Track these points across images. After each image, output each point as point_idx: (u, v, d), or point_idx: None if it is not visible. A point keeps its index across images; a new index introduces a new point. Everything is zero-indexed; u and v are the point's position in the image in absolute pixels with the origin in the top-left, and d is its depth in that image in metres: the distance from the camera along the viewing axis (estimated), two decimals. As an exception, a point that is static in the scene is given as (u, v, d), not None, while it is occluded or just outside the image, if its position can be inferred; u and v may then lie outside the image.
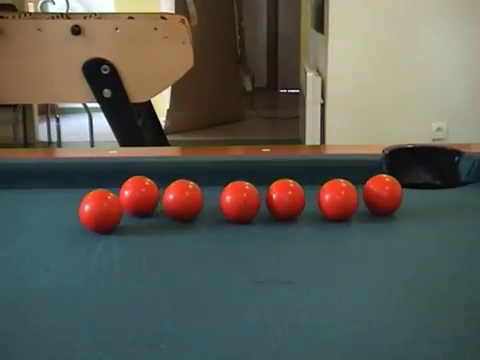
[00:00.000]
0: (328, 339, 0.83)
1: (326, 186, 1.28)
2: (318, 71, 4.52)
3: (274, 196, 1.27)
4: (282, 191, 1.27)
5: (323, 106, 4.22)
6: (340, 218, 1.27)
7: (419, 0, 4.04)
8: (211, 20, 6.03)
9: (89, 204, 1.20)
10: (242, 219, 1.26)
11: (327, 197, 1.26)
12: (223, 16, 6.36)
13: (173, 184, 1.29)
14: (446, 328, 0.85)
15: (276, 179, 1.32)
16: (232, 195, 1.25)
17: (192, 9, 5.69)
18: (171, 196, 1.27)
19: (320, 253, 1.16)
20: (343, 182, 1.29)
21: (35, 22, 3.41)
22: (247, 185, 1.27)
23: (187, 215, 1.27)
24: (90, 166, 1.53)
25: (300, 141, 5.08)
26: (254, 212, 1.26)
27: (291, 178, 1.44)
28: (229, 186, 1.27)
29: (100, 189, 1.24)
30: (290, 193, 1.27)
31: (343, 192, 1.26)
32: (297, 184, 1.29)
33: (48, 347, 0.83)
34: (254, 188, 1.27)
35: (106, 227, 1.21)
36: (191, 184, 1.29)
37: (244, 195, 1.25)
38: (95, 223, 1.20)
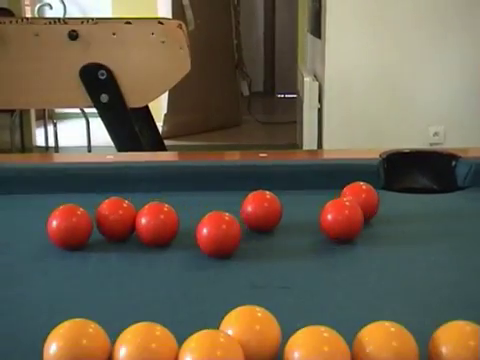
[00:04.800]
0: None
1: (329, 206, 1.20)
2: (315, 76, 4.53)
3: (249, 209, 1.23)
4: (258, 204, 1.23)
5: (320, 111, 4.23)
6: (344, 239, 1.20)
7: (416, 5, 4.05)
8: (208, 25, 6.04)
9: (57, 220, 1.16)
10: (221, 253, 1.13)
11: (330, 217, 1.19)
12: (220, 21, 6.36)
13: (146, 206, 1.20)
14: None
15: (273, 184, 1.32)
16: (210, 230, 1.11)
17: (189, 14, 5.70)
18: (144, 220, 1.18)
19: (318, 259, 1.17)
20: (347, 201, 1.22)
21: (32, 27, 3.40)
22: (227, 216, 1.14)
23: (163, 240, 1.19)
24: (87, 171, 1.53)
25: (297, 146, 5.09)
26: (234, 247, 1.14)
27: (288, 183, 1.45)
28: (207, 218, 1.14)
29: (69, 204, 1.19)
30: (266, 205, 1.23)
31: (347, 211, 1.19)
32: (273, 195, 1.25)
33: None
34: (234, 220, 1.14)
35: (75, 243, 1.17)
36: (166, 206, 1.20)
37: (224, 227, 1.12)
38: (63, 239, 1.16)
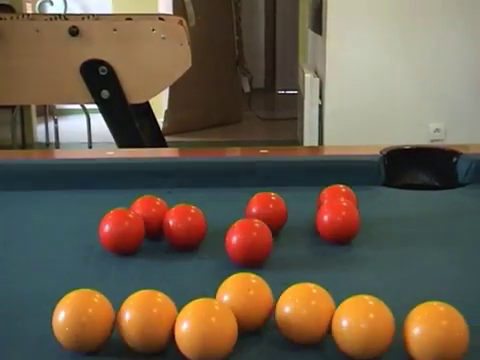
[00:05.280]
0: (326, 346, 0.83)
1: (326, 207, 1.19)
2: (316, 72, 4.52)
3: (254, 210, 1.20)
4: (262, 205, 1.20)
5: (321, 107, 4.22)
6: (339, 241, 1.18)
7: (417, 2, 4.04)
8: (209, 21, 6.03)
9: (109, 224, 1.12)
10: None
11: (326, 218, 1.17)
12: (221, 17, 6.36)
13: (173, 209, 1.17)
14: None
15: (273, 180, 1.31)
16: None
17: (190, 10, 5.69)
18: (171, 222, 1.14)
19: (318, 256, 1.16)
20: (344, 201, 1.20)
21: (33, 23, 3.40)
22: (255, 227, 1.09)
23: (191, 242, 1.16)
24: (88, 167, 1.53)
25: (298, 142, 5.08)
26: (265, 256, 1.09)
27: (289, 179, 1.44)
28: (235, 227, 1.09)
29: (121, 208, 1.16)
30: (271, 206, 1.20)
31: (344, 212, 1.17)
32: (278, 197, 1.22)
33: (46, 348, 0.83)
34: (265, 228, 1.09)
35: (127, 248, 1.13)
36: (193, 208, 1.17)
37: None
38: (115, 244, 1.12)
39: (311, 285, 0.85)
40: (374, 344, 0.78)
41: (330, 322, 0.81)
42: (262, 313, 0.85)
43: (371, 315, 0.79)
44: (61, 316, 0.80)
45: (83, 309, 0.81)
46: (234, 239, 1.06)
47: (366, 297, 0.82)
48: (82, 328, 0.80)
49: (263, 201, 1.22)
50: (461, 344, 0.77)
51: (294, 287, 0.85)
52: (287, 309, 0.82)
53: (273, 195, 1.23)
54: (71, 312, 0.80)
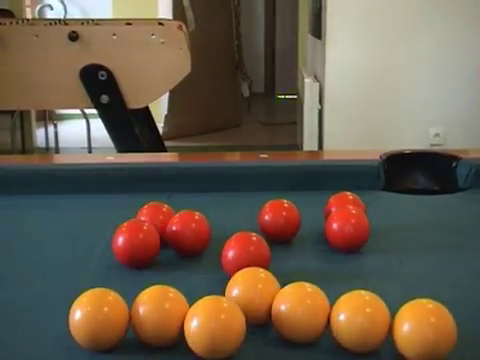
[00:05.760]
0: (323, 344, 0.83)
1: (335, 214, 1.16)
2: (316, 77, 4.53)
3: (267, 218, 1.17)
4: (276, 212, 1.17)
5: (321, 112, 4.23)
6: (348, 250, 1.15)
7: (417, 6, 4.05)
8: (209, 26, 6.04)
9: (123, 236, 1.07)
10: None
11: (335, 226, 1.14)
12: (221, 22, 6.37)
13: (177, 215, 1.15)
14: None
15: (273, 185, 1.31)
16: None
17: (189, 15, 5.70)
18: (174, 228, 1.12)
19: (321, 263, 1.16)
20: (353, 209, 1.16)
21: (32, 28, 3.40)
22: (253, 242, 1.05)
23: (195, 248, 1.14)
24: (87, 172, 1.53)
25: (298, 147, 5.08)
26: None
27: (289, 184, 1.44)
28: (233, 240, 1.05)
29: (135, 219, 1.14)
30: (284, 214, 1.17)
31: (354, 219, 1.14)
32: (291, 204, 1.19)
33: (46, 353, 0.83)
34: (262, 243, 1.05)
35: (142, 261, 1.09)
36: (197, 215, 1.14)
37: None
38: (130, 257, 1.08)
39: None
40: (372, 337, 0.80)
41: (327, 320, 0.82)
42: (269, 306, 0.87)
43: (368, 309, 0.81)
44: (77, 315, 0.82)
45: (99, 307, 0.82)
46: (230, 254, 1.02)
47: (363, 292, 0.83)
48: (98, 326, 0.81)
49: (276, 209, 1.18)
50: (449, 341, 0.78)
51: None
52: (283, 308, 0.83)
53: (286, 202, 1.19)
54: (87, 311, 0.81)
